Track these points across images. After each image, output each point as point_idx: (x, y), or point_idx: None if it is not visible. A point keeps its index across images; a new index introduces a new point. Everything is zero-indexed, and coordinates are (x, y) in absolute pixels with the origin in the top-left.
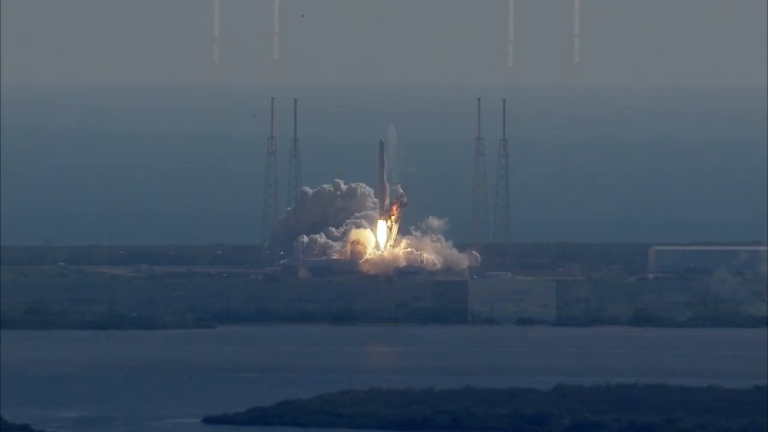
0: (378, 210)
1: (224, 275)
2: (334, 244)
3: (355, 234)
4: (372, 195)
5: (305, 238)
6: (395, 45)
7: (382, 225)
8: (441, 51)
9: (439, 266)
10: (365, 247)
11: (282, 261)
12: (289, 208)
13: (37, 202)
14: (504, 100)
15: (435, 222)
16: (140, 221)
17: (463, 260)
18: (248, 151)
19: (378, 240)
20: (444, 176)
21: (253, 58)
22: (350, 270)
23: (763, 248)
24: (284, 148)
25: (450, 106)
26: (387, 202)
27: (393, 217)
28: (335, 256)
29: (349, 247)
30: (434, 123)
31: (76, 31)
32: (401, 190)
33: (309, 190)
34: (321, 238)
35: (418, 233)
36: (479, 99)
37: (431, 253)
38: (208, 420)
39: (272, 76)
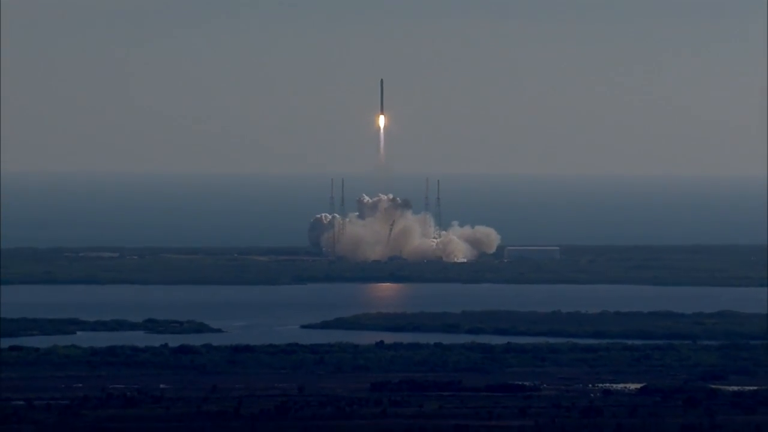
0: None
1: (311, 260)
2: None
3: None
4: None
5: (333, 228)
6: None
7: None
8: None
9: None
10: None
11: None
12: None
13: (224, 222)
14: (438, 180)
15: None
16: (273, 233)
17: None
18: (317, 205)
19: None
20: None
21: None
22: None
23: (554, 247)
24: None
25: (406, 185)
26: (387, 199)
27: (397, 217)
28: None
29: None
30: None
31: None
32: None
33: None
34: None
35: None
36: (427, 179)
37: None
38: (303, 326)
39: (333, 166)
